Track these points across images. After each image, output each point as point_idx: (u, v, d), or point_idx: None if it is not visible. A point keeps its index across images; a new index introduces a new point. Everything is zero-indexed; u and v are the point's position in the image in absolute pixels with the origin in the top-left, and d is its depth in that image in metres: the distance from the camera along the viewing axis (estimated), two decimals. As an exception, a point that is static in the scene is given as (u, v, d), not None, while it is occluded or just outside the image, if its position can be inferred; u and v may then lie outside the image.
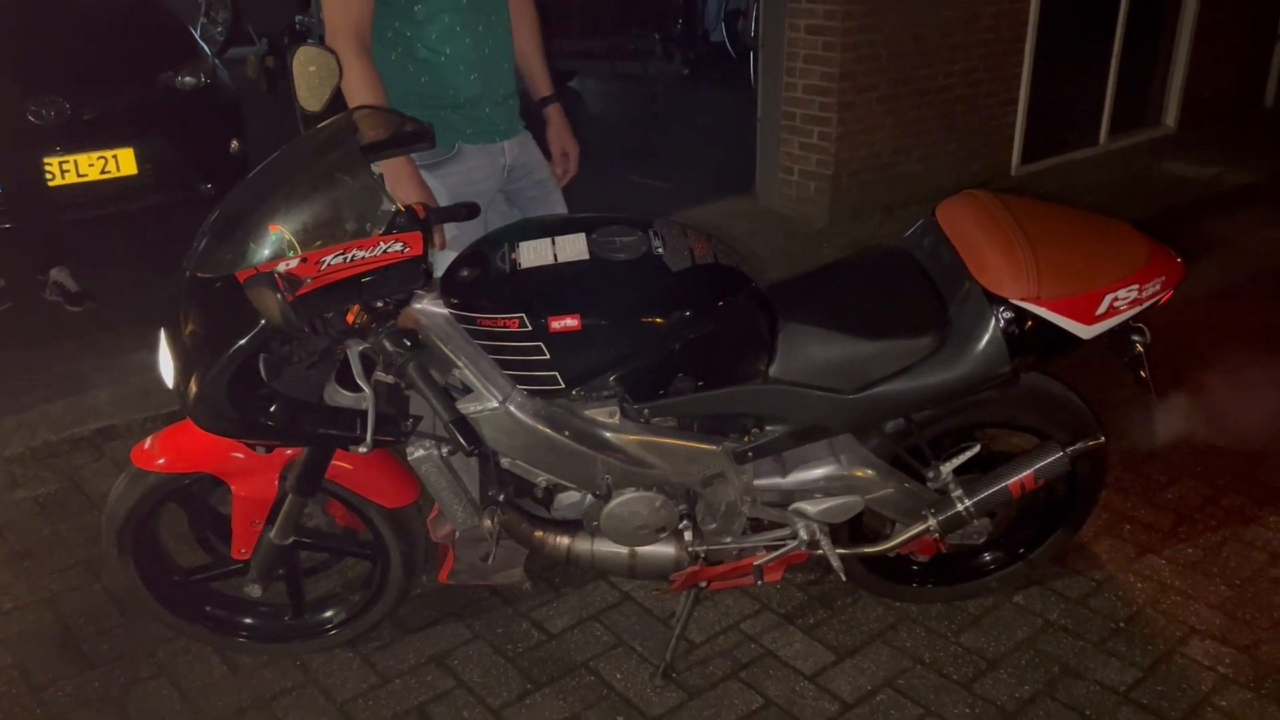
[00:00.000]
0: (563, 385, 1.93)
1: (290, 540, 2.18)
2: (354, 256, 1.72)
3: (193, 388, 1.81)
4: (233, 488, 2.14)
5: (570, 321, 1.86)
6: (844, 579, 2.20)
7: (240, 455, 2.09)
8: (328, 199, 1.77)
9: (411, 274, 1.76)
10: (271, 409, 1.85)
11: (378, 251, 1.73)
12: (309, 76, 1.94)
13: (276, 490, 2.12)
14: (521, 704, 2.31)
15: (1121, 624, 2.53)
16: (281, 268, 1.73)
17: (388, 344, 1.77)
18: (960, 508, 2.20)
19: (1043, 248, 2.00)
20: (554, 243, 1.97)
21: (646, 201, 5.85)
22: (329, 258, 1.73)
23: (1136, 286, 2.01)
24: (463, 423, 1.73)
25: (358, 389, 1.94)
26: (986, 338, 1.98)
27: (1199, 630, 2.50)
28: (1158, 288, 2.04)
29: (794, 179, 5.50)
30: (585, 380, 1.95)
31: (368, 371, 1.85)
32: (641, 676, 2.37)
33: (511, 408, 1.95)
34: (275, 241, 1.76)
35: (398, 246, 1.74)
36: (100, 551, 2.75)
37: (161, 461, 2.11)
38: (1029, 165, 6.24)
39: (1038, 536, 2.54)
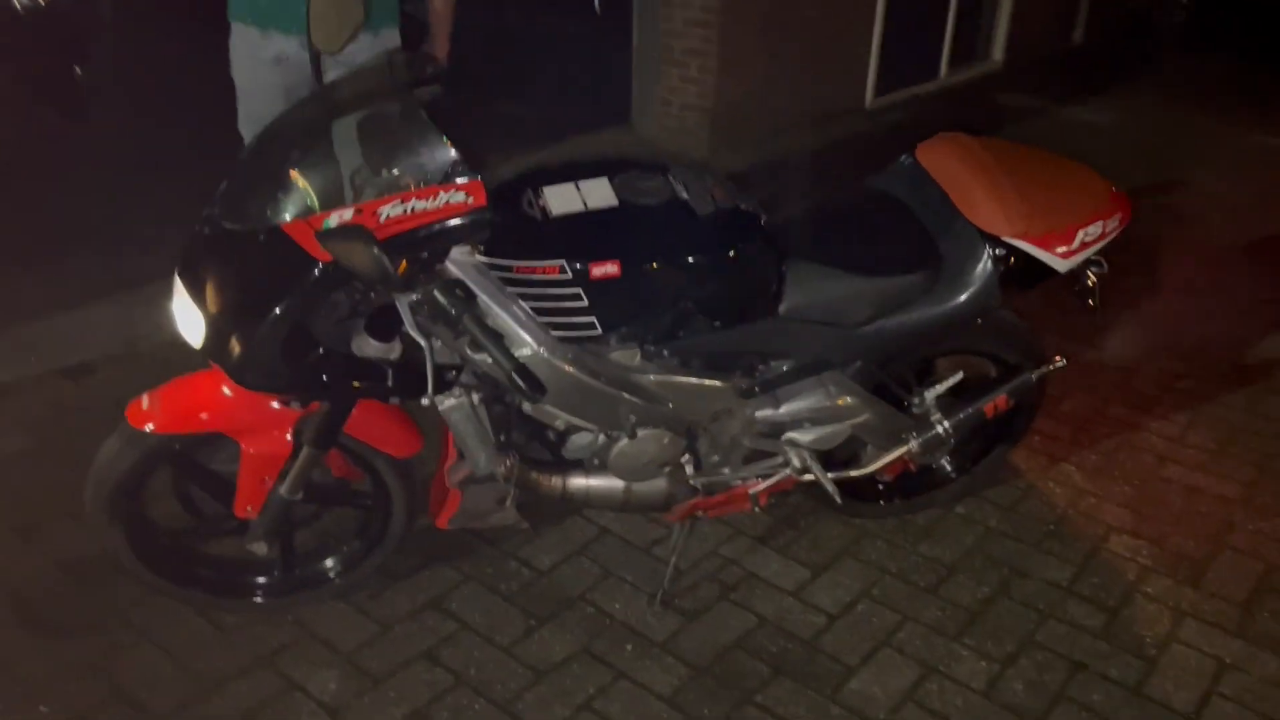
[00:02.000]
0: (600, 331, 1.96)
1: (300, 495, 2.13)
2: (414, 207, 1.69)
3: (236, 346, 1.74)
4: (243, 445, 2.06)
5: (611, 268, 1.89)
6: (839, 502, 2.35)
7: (252, 411, 2.02)
8: (381, 146, 1.72)
9: (477, 225, 1.74)
10: (322, 364, 1.81)
11: (439, 202, 1.70)
12: (327, 17, 1.86)
13: (290, 445, 2.06)
14: (529, 640, 2.36)
15: (1051, 526, 2.81)
16: (334, 219, 1.68)
17: (440, 295, 1.75)
18: (940, 430, 2.38)
19: (1025, 188, 2.17)
20: (579, 188, 1.98)
21: (520, 132, 5.74)
22: (386, 209, 1.69)
23: (1101, 223, 2.22)
24: (524, 370, 1.74)
25: (386, 340, 1.91)
26: (980, 273, 2.14)
27: (1115, 527, 2.81)
28: (1116, 224, 2.25)
29: (673, 111, 5.56)
30: (621, 325, 1.99)
31: (417, 324, 1.83)
32: (638, 604, 2.47)
33: (545, 353, 1.97)
34: (313, 193, 1.71)
35: (460, 197, 1.72)
36: (31, 518, 2.60)
37: (163, 422, 2.01)
38: (881, 98, 6.51)
39: (982, 452, 2.76)
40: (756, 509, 2.40)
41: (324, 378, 1.82)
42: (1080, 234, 2.18)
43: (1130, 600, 2.56)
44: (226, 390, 2.00)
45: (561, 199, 1.96)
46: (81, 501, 2.11)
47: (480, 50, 7.87)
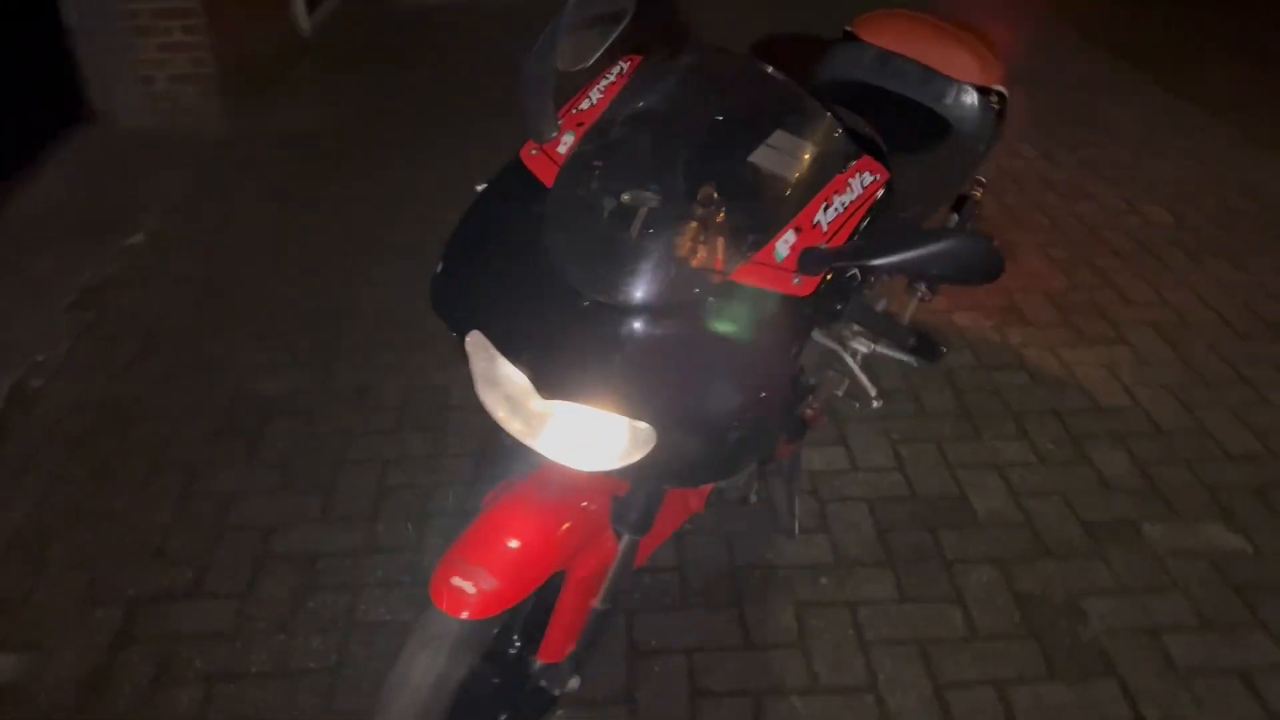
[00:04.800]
0: None
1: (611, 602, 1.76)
2: (842, 204, 1.49)
3: (727, 438, 1.40)
4: (570, 572, 1.65)
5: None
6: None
7: (577, 525, 1.61)
8: (793, 147, 1.46)
9: (890, 203, 1.57)
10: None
11: (857, 191, 1.51)
12: (584, 30, 1.47)
13: (614, 546, 1.69)
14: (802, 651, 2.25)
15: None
16: (782, 247, 1.42)
17: (833, 291, 1.55)
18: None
19: (981, 41, 2.47)
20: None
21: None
22: (819, 216, 1.46)
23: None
24: (925, 335, 1.66)
25: None
26: (987, 122, 2.41)
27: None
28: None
29: (161, 88, 4.69)
30: None
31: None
32: (788, 549, 2.45)
33: None
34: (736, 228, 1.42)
35: (869, 177, 1.53)
36: None
37: (501, 593, 1.51)
38: (314, 18, 6.07)
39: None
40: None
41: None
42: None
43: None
44: (504, 532, 1.57)
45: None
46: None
47: None
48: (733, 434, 1.41)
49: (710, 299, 1.38)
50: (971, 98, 2.39)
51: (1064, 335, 3.26)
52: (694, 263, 1.38)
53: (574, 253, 1.41)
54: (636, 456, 1.41)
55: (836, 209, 1.49)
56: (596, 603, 1.73)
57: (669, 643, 2.21)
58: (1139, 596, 2.32)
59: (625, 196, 1.41)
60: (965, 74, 2.39)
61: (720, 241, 1.38)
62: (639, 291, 1.37)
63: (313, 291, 3.50)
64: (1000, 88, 2.44)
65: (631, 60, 1.64)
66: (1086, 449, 2.78)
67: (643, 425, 1.38)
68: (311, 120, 4.91)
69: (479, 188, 1.74)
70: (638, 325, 1.37)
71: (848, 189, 1.51)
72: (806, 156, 1.49)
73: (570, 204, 1.45)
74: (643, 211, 1.39)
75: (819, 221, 1.46)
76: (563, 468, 1.51)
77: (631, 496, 1.67)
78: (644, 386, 1.37)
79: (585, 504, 1.64)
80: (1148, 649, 2.19)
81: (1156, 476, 2.68)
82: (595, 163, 1.46)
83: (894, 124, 2.32)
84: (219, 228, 3.96)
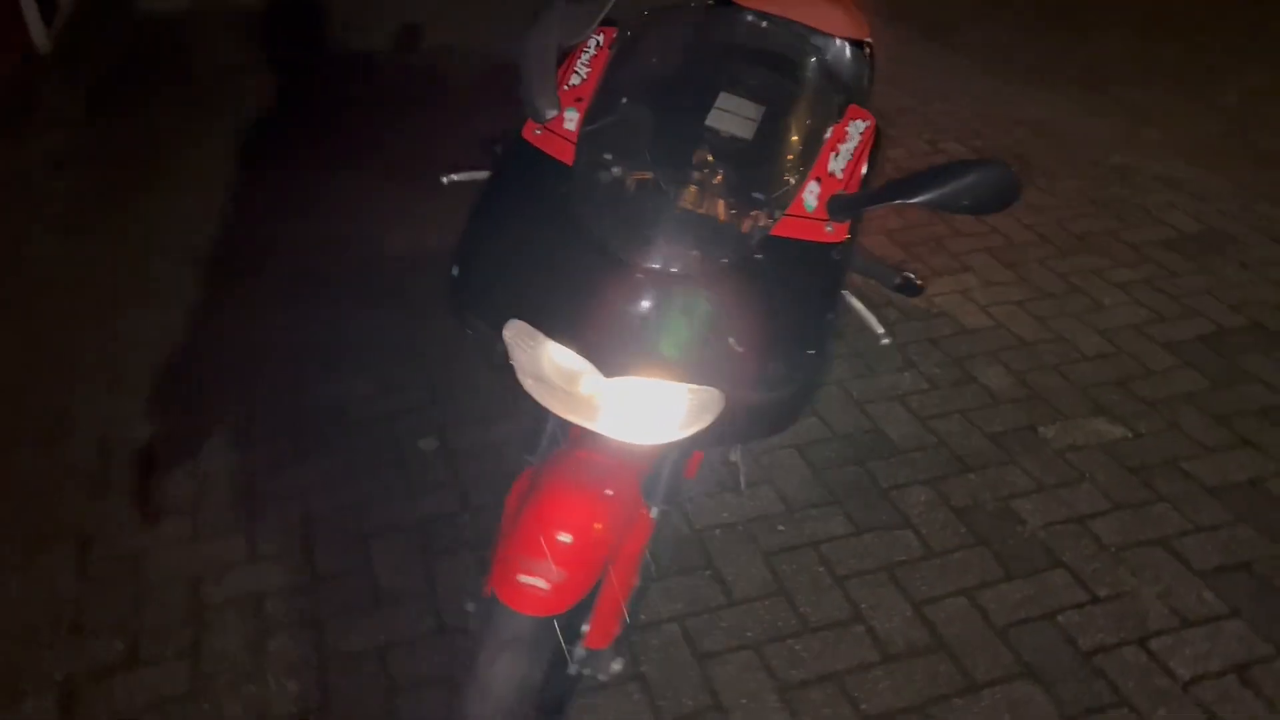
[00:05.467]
0: None
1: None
2: (848, 150, 1.54)
3: (786, 385, 1.43)
4: (618, 553, 1.63)
5: None
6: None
7: (620, 501, 1.59)
8: (800, 107, 1.50)
9: (880, 146, 1.63)
10: None
11: (855, 138, 1.56)
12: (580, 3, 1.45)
13: (648, 521, 1.68)
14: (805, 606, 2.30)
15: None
16: (810, 197, 1.47)
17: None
18: None
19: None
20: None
21: None
22: (832, 164, 1.51)
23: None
24: (907, 274, 1.75)
25: None
26: (862, 72, 2.54)
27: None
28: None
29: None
30: None
31: None
32: (739, 504, 2.51)
33: None
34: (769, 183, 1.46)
35: (862, 124, 1.59)
36: None
37: (575, 580, 1.48)
38: (50, 33, 5.51)
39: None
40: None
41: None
42: (866, 23, 2.71)
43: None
44: (554, 526, 1.54)
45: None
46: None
47: None
48: (795, 385, 1.44)
49: (757, 256, 1.41)
50: (847, 51, 2.51)
51: (915, 269, 3.47)
52: (734, 223, 1.41)
53: (615, 225, 1.40)
54: (705, 422, 1.42)
55: (845, 156, 1.54)
56: (637, 580, 1.72)
57: (658, 613, 2.21)
58: (1056, 491, 2.54)
59: (640, 166, 1.42)
60: (838, 29, 2.50)
61: (720, 204, 1.42)
62: (688, 256, 1.38)
63: (143, 323, 3.21)
64: (868, 39, 2.58)
65: (605, 33, 1.63)
66: (968, 368, 2.99)
67: (710, 390, 1.39)
68: (73, 144, 4.47)
69: (445, 179, 1.69)
70: (692, 290, 1.38)
71: (847, 136, 1.57)
72: (809, 107, 1.55)
73: (599, 178, 1.43)
74: (673, 177, 1.40)
75: (833, 170, 1.51)
76: (587, 452, 1.51)
77: (657, 470, 1.67)
78: (710, 351, 1.38)
79: (617, 485, 1.62)
80: (1079, 536, 2.41)
81: (1034, 384, 2.93)
82: (614, 134, 1.45)
83: (795, 76, 2.41)
84: (11, 268, 3.56)
